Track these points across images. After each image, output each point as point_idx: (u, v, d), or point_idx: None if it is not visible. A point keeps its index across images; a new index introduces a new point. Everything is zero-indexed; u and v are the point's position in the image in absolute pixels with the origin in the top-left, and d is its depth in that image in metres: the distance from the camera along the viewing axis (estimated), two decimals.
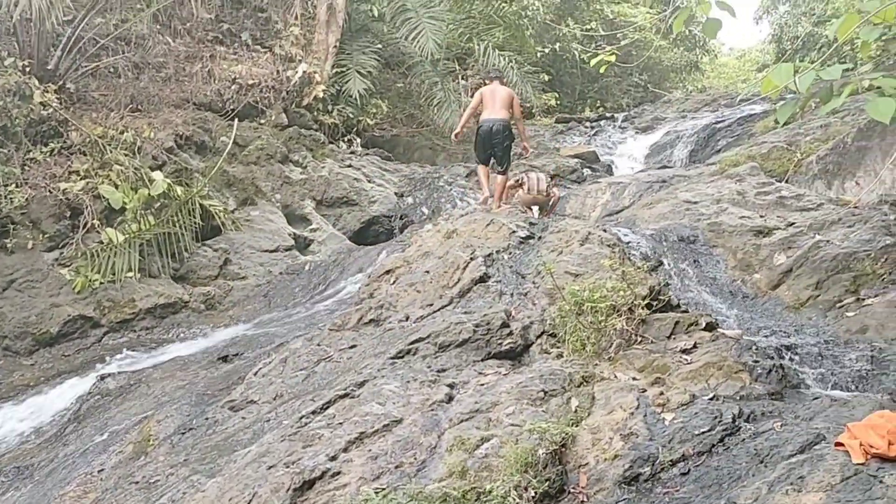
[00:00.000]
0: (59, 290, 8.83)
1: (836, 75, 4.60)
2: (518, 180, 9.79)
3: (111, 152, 10.02)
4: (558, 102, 22.21)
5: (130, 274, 9.16)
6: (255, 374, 5.94)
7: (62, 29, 10.78)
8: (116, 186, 9.71)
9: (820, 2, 21.97)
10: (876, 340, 5.13)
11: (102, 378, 7.10)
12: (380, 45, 15.96)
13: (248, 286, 10.09)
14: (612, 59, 5.64)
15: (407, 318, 6.22)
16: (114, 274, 9.06)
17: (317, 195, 12.34)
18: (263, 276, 10.29)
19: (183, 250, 9.91)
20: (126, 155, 10.14)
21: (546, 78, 20.31)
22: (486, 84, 9.79)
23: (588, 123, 19.65)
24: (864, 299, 5.79)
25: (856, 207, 6.98)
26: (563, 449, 3.88)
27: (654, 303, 5.41)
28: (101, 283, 8.97)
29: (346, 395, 4.75)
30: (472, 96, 10.67)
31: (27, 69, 9.93)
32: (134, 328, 8.89)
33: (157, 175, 10.06)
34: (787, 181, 8.73)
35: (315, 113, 14.53)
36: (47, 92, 9.96)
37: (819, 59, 19.42)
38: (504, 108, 9.35)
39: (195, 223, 10.03)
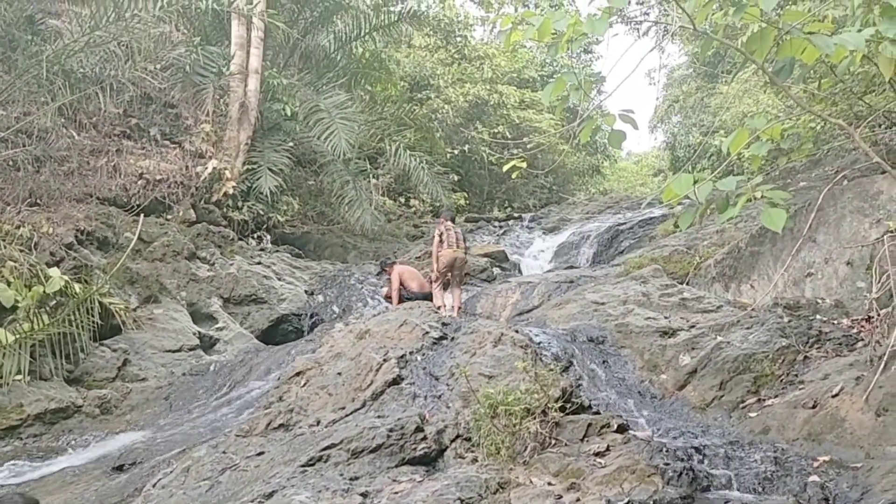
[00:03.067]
0: None
1: (731, 186, 4.90)
2: (439, 232, 10.22)
3: (5, 248, 9.56)
4: (467, 202, 22.81)
5: (19, 377, 8.58)
6: (154, 485, 5.60)
7: None
8: (9, 284, 9.21)
9: (708, 115, 23.59)
10: (778, 441, 5.29)
11: None
12: (292, 144, 16.08)
13: (147, 388, 9.61)
14: (524, 164, 5.85)
15: (318, 423, 6.05)
16: (1, 377, 8.47)
17: (224, 293, 12.04)
18: (165, 378, 9.85)
19: (79, 351, 9.38)
20: (21, 251, 9.69)
21: (456, 178, 20.91)
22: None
23: (497, 223, 20.15)
24: (764, 400, 5.99)
25: (752, 310, 7.30)
26: None
27: (567, 405, 5.44)
28: None
29: None
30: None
31: None
32: (21, 436, 8.27)
33: (54, 272, 9.60)
34: (688, 283, 9.10)
35: (225, 209, 14.39)
36: None
37: (710, 166, 20.74)
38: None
39: (93, 322, 9.55)
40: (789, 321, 6.90)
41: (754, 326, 6.95)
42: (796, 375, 6.13)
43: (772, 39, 4.91)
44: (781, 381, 6.16)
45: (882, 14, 4.98)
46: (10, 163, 11.60)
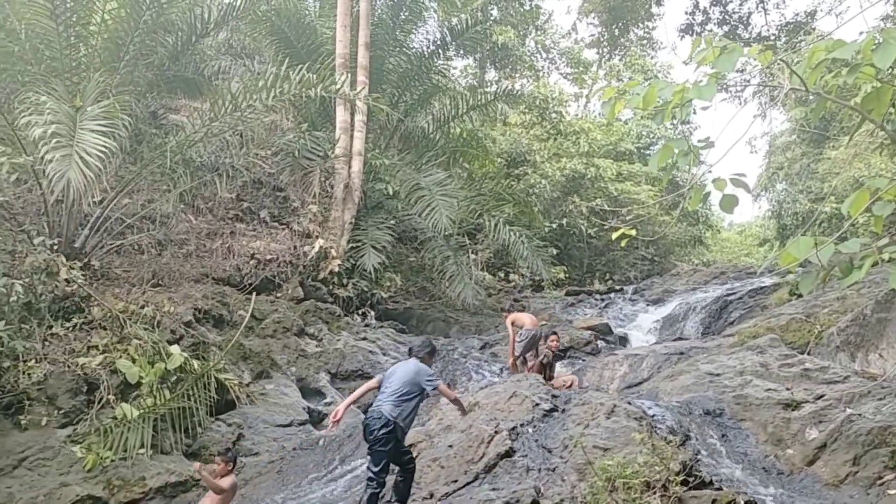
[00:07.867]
0: (70, 468, 8.56)
1: (855, 248, 4.71)
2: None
3: (131, 327, 10.09)
4: (567, 275, 22.65)
5: (142, 450, 8.91)
6: None
7: (91, 209, 11.21)
8: (134, 361, 9.69)
9: (816, 181, 22.85)
10: None
11: None
12: (394, 221, 16.51)
13: (260, 462, 9.79)
14: (633, 232, 5.81)
15: (431, 496, 6.02)
16: (126, 451, 8.82)
17: (332, 368, 12.27)
18: (277, 452, 10.02)
19: (197, 425, 9.70)
20: (145, 329, 10.20)
21: (554, 251, 20.85)
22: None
23: (598, 296, 19.87)
24: None
25: (884, 380, 6.89)
26: None
27: (689, 479, 5.24)
28: (112, 460, 8.70)
29: None
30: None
31: (55, 247, 10.20)
32: None
33: (175, 349, 10.06)
34: (808, 353, 8.68)
35: (331, 286, 14.80)
36: (73, 269, 10.17)
37: (820, 233, 19.95)
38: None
39: (210, 397, 9.91)
40: None
41: (888, 398, 6.55)
42: None
43: (889, 98, 4.78)
44: None
45: None
46: (136, 247, 12.38)
